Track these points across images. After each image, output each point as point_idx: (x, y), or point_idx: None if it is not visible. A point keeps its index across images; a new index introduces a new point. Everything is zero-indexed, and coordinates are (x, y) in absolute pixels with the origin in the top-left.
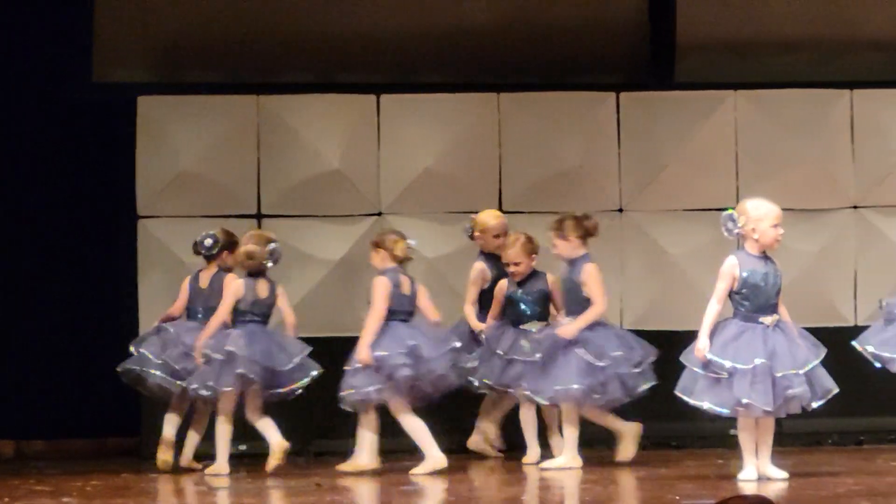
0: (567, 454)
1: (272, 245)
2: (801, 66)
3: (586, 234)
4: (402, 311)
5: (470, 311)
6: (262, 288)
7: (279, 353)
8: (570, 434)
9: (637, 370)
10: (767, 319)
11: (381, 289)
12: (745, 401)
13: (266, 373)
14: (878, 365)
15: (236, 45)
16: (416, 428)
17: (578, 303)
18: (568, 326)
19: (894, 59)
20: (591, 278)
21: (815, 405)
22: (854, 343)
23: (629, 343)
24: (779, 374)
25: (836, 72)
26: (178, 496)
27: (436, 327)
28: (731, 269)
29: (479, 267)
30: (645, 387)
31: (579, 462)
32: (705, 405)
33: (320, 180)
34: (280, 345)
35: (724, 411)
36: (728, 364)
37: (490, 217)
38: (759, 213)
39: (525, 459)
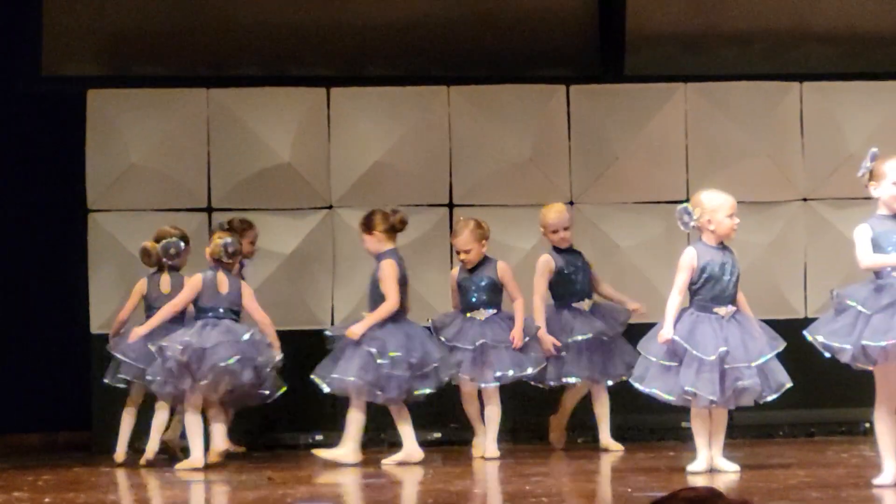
0: (406, 448)
1: (164, 241)
2: (751, 59)
3: (392, 228)
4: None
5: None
6: (165, 283)
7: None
8: (405, 429)
9: (420, 372)
10: (723, 311)
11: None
12: (688, 388)
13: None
14: (827, 355)
15: (186, 39)
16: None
17: (376, 299)
18: (355, 326)
19: (844, 51)
20: (384, 275)
21: (768, 398)
22: (804, 332)
23: (418, 345)
24: (728, 366)
25: (786, 64)
26: (130, 490)
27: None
28: (690, 260)
29: (544, 259)
30: (423, 392)
31: (419, 455)
32: (654, 392)
33: (271, 174)
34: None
35: (671, 398)
36: (689, 349)
37: (548, 212)
38: (714, 204)
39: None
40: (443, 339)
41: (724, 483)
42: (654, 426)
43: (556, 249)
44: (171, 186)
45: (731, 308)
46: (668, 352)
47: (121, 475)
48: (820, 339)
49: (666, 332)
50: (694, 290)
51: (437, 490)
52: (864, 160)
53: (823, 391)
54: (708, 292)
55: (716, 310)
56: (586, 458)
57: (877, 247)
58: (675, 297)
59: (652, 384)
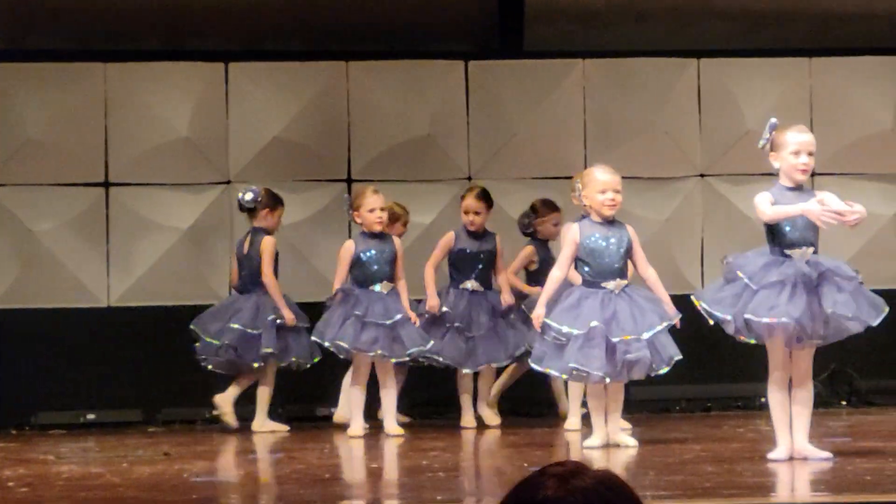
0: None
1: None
2: (650, 35)
3: None
4: None
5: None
6: None
7: None
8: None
9: None
10: (611, 284)
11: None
12: (573, 364)
13: None
14: (711, 322)
15: (83, 12)
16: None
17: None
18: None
19: (741, 28)
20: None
21: (660, 371)
22: (691, 295)
23: None
24: (616, 339)
25: (684, 41)
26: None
27: None
28: (573, 235)
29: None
30: None
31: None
32: (550, 371)
33: (168, 148)
34: None
35: (564, 376)
36: (565, 329)
37: (466, 195)
38: (587, 180)
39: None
40: (358, 313)
41: (620, 458)
42: (553, 402)
43: (466, 231)
44: (69, 161)
45: (620, 282)
46: (559, 331)
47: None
48: (703, 305)
49: (537, 312)
50: (580, 266)
51: (332, 465)
52: (765, 130)
53: (720, 366)
54: (593, 269)
55: (603, 284)
56: (488, 434)
57: (774, 223)
58: (555, 272)
59: (548, 363)
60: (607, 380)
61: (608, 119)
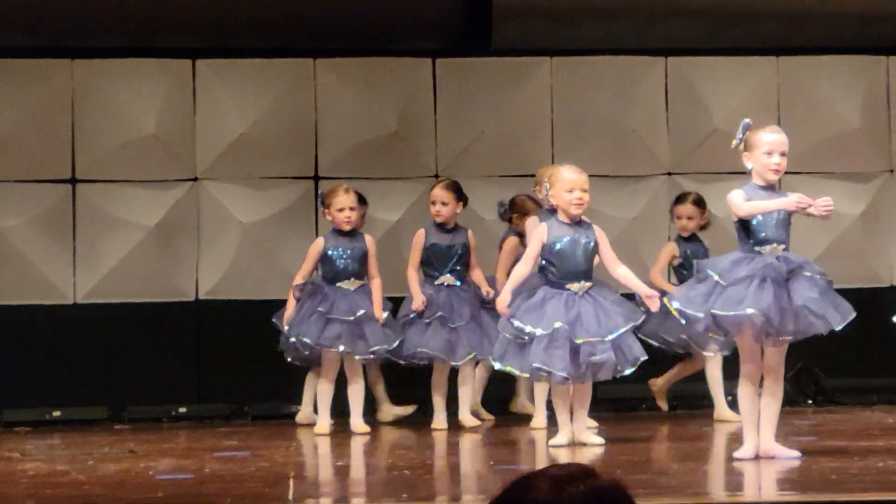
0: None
1: None
2: (617, 33)
3: None
4: None
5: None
6: None
7: None
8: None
9: None
10: (575, 286)
11: None
12: (536, 365)
13: None
14: (683, 321)
15: (50, 9)
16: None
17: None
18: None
19: (709, 26)
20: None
21: (625, 372)
22: (664, 299)
23: None
24: (580, 341)
25: (652, 39)
26: None
27: None
28: (540, 234)
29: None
30: None
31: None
32: (511, 370)
33: (135, 145)
34: None
35: (526, 375)
36: (528, 328)
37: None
38: (554, 180)
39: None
40: (321, 309)
41: (586, 457)
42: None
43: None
44: (35, 158)
45: (584, 283)
46: (521, 330)
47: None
48: (676, 305)
49: (501, 298)
50: (545, 266)
51: (298, 463)
52: (738, 131)
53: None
54: (558, 270)
55: (568, 286)
56: (452, 432)
57: (746, 221)
58: (520, 267)
59: (509, 362)
60: (570, 381)
61: (575, 117)
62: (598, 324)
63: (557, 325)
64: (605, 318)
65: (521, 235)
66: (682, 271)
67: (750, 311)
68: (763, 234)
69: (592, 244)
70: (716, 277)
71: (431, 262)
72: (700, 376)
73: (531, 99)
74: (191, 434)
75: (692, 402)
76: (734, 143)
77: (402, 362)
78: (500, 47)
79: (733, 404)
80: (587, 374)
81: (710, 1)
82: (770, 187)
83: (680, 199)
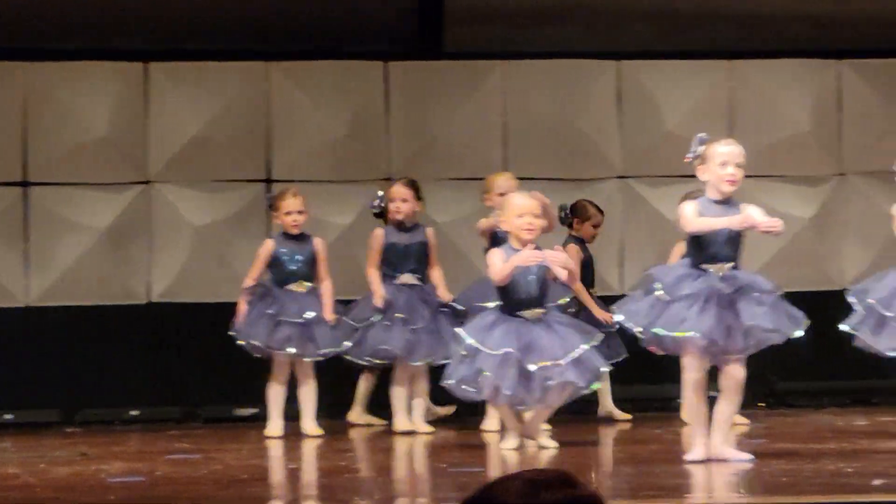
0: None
1: None
2: (570, 37)
3: None
4: None
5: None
6: None
7: None
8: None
9: None
10: (528, 314)
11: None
12: (487, 374)
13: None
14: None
15: (1, 12)
16: None
17: None
18: None
19: (661, 30)
20: None
21: (593, 387)
22: (613, 307)
23: None
24: (533, 367)
25: (604, 43)
26: None
27: None
28: (500, 259)
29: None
30: None
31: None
32: (462, 386)
33: (88, 148)
34: None
35: (471, 390)
36: (475, 345)
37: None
38: (506, 206)
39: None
40: (270, 312)
41: (539, 459)
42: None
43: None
44: None
45: (537, 311)
46: (469, 346)
47: None
48: (619, 317)
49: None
50: (499, 292)
51: (250, 466)
52: (693, 144)
53: (638, 368)
54: (510, 296)
55: (519, 313)
56: (406, 436)
57: (696, 234)
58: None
59: (458, 380)
60: (520, 406)
61: (528, 121)
62: (553, 347)
63: (506, 350)
64: (560, 340)
65: (582, 241)
66: None
67: (692, 333)
68: (712, 251)
69: (544, 270)
70: (660, 292)
71: (391, 262)
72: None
73: (483, 102)
74: (143, 437)
75: (644, 404)
76: (689, 156)
77: (362, 363)
78: (453, 51)
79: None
80: (543, 399)
81: (662, 4)
82: (725, 201)
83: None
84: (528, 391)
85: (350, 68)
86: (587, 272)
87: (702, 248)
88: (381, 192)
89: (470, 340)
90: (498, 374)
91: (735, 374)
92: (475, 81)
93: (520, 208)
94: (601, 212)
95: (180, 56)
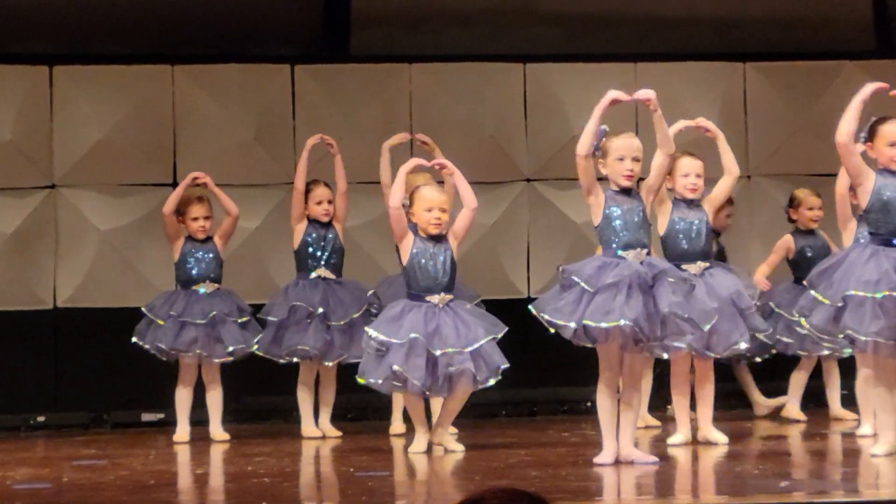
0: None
1: None
2: (476, 39)
3: None
4: None
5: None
6: None
7: None
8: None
9: None
10: (435, 299)
11: None
12: (395, 368)
13: None
14: (552, 330)
15: None
16: None
17: None
18: None
19: (566, 32)
20: None
21: (489, 383)
22: (530, 307)
23: None
24: (438, 353)
25: (510, 45)
26: None
27: None
28: (409, 238)
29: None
30: None
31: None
32: (372, 382)
33: None
34: None
35: (380, 381)
36: (384, 338)
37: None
38: (414, 198)
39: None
40: (174, 314)
41: (446, 462)
42: (377, 406)
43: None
44: None
45: (445, 296)
46: (379, 340)
47: None
48: (545, 316)
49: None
50: (407, 279)
51: (157, 471)
52: (595, 138)
53: (545, 371)
54: (418, 283)
55: (428, 298)
56: (313, 441)
57: (607, 226)
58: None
59: (371, 375)
60: (427, 393)
61: (435, 123)
62: (457, 335)
63: (414, 335)
64: (464, 329)
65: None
66: (801, 265)
67: (623, 322)
68: (626, 237)
69: (450, 256)
70: (583, 284)
71: (307, 256)
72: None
73: (390, 105)
74: (49, 443)
75: (551, 407)
76: (592, 150)
77: (281, 361)
78: (359, 53)
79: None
80: (444, 387)
81: (568, 7)
82: (626, 191)
83: (798, 197)
84: (433, 378)
85: (256, 71)
86: None
87: (616, 236)
88: None
89: (382, 337)
90: (408, 364)
91: (636, 370)
92: (382, 84)
93: (428, 202)
94: (732, 202)
95: (85, 59)
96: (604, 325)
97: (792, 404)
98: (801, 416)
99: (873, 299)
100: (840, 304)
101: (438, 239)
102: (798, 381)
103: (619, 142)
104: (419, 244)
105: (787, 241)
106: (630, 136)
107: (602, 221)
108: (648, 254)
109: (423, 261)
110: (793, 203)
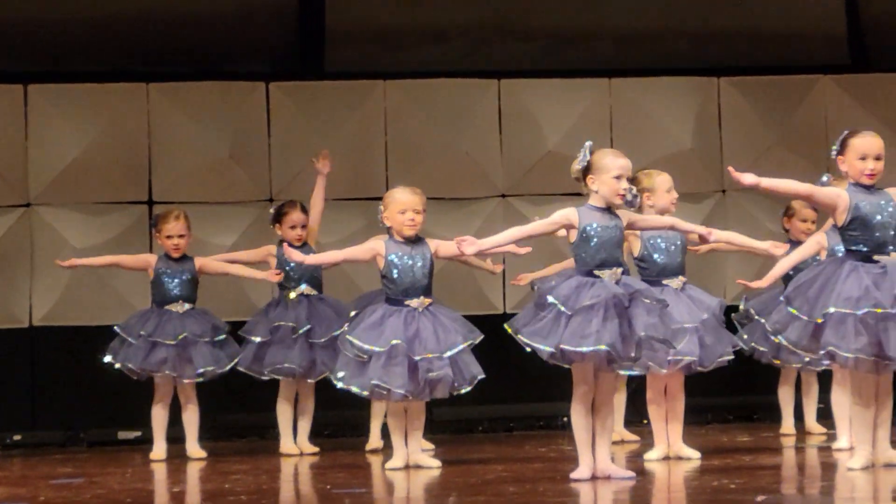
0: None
1: None
2: (450, 56)
3: None
4: None
5: None
6: None
7: None
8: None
9: None
10: (415, 302)
11: None
12: (375, 381)
13: None
14: (528, 349)
15: None
16: None
17: None
18: None
19: (541, 48)
20: None
21: (462, 391)
22: (505, 326)
23: None
24: (418, 357)
25: (484, 61)
26: None
27: None
28: (377, 249)
29: None
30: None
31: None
32: (351, 389)
33: None
34: None
35: (364, 393)
36: (366, 346)
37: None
38: (388, 201)
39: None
40: (144, 333)
41: (422, 478)
42: (355, 423)
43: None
44: None
45: (424, 300)
46: (360, 348)
47: None
48: (522, 337)
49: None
50: (385, 283)
51: (134, 489)
52: (582, 153)
53: (522, 386)
54: (397, 287)
55: (407, 302)
56: (291, 458)
57: (584, 243)
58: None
59: (349, 381)
60: (409, 398)
61: (409, 140)
62: (436, 340)
63: (395, 342)
64: (443, 334)
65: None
66: (787, 274)
67: (600, 346)
68: (602, 257)
69: (429, 260)
70: (559, 305)
71: (286, 276)
72: (541, 395)
73: (365, 122)
74: (25, 461)
75: (528, 423)
76: (579, 165)
77: (263, 377)
78: (334, 70)
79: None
80: (425, 390)
81: (541, 23)
82: (607, 209)
83: (794, 207)
84: (413, 382)
85: (231, 89)
86: None
87: (593, 255)
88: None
89: (363, 345)
90: (388, 374)
91: (610, 386)
92: (357, 101)
93: (402, 204)
94: None
95: (60, 78)
96: (583, 349)
97: (786, 422)
98: (791, 431)
99: (854, 316)
100: (819, 321)
101: (415, 241)
102: (785, 396)
103: (616, 160)
104: (394, 248)
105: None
106: (623, 155)
107: (578, 238)
108: (625, 272)
109: (400, 264)
110: (787, 212)
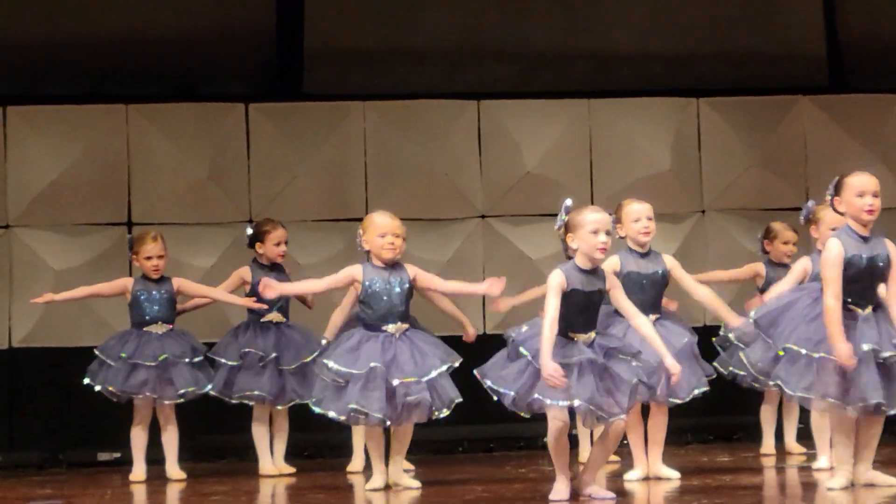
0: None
1: None
2: (429, 77)
3: None
4: None
5: None
6: None
7: None
8: None
9: None
10: (392, 328)
11: None
12: (353, 406)
13: None
14: (495, 398)
15: None
16: None
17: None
18: None
19: (520, 70)
20: None
21: (440, 415)
22: (474, 371)
23: None
24: (396, 382)
25: (463, 83)
26: None
27: None
28: (355, 275)
29: None
30: None
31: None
32: (330, 413)
33: None
34: None
35: (341, 418)
36: (343, 370)
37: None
38: (366, 225)
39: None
40: (124, 355)
41: (403, 499)
42: (334, 444)
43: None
44: None
45: (401, 325)
46: (338, 372)
47: None
48: (488, 382)
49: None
50: (362, 308)
51: None
52: (560, 213)
53: (502, 406)
54: (374, 312)
55: (384, 327)
56: (271, 479)
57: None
58: (337, 312)
59: (327, 406)
60: (387, 423)
61: (389, 161)
62: (414, 364)
63: (373, 364)
64: (421, 358)
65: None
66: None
67: (577, 402)
68: (581, 321)
69: (407, 286)
70: (529, 358)
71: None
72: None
73: (344, 143)
74: (3, 483)
75: (508, 443)
76: (557, 225)
77: (232, 401)
78: (313, 91)
79: None
80: (403, 415)
81: (520, 44)
82: (593, 270)
83: (775, 229)
84: (391, 407)
85: (210, 110)
86: None
87: (564, 319)
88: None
89: (341, 369)
90: (366, 398)
91: (617, 429)
92: (336, 122)
93: (381, 227)
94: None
95: (38, 99)
96: (560, 403)
97: (767, 442)
98: (772, 451)
99: (809, 357)
100: (780, 353)
101: (393, 266)
102: (767, 416)
103: (591, 215)
104: (371, 273)
105: (757, 267)
106: (600, 210)
107: (561, 301)
108: (598, 332)
109: (378, 290)
110: (768, 235)
